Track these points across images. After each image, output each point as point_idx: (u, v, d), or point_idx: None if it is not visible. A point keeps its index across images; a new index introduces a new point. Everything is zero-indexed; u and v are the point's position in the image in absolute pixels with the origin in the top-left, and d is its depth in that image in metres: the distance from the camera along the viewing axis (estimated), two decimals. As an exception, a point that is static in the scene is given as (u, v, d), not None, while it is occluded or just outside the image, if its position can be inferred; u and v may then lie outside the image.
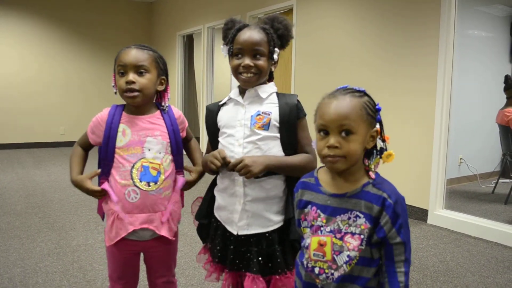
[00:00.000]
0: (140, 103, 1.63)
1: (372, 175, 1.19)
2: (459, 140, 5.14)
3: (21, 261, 2.94)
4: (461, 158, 5.59)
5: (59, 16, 8.64)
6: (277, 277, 1.51)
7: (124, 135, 1.63)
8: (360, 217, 1.16)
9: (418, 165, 4.06)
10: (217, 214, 1.63)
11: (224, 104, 1.64)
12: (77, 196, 4.63)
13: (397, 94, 4.18)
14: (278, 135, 1.53)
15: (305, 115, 1.57)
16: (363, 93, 1.19)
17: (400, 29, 4.18)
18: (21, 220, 3.86)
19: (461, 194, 5.19)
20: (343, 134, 1.12)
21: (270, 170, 1.49)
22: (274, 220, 1.55)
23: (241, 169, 1.44)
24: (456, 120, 4.16)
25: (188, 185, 1.80)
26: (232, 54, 1.57)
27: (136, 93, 1.59)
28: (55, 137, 8.65)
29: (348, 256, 1.16)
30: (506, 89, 5.00)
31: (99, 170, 1.68)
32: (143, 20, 9.64)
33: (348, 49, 4.75)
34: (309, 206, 1.26)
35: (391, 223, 1.12)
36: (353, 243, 1.15)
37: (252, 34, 1.53)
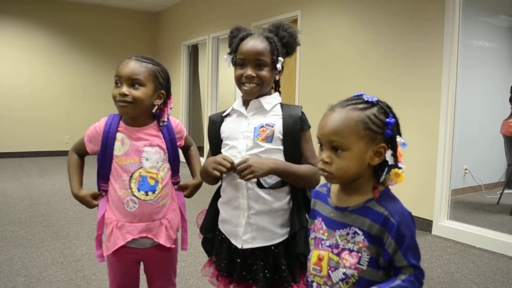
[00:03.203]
0: (131, 114, 1.63)
1: (377, 193, 1.11)
2: (464, 151, 5.12)
3: (25, 270, 2.94)
4: (465, 169, 5.57)
5: (66, 26, 8.74)
6: None
7: (123, 144, 1.65)
8: (358, 234, 1.09)
9: (422, 176, 4.05)
10: (221, 227, 1.61)
11: (228, 115, 1.62)
12: (82, 206, 4.62)
13: (401, 105, 4.15)
14: (281, 147, 1.50)
15: (309, 127, 1.54)
16: (372, 104, 1.11)
17: (404, 39, 4.19)
18: (25, 229, 3.86)
19: (465, 205, 5.16)
20: (334, 149, 1.09)
21: (275, 174, 1.45)
22: (279, 233, 1.52)
23: (245, 169, 1.39)
24: (460, 130, 4.16)
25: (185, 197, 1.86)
26: (235, 64, 1.55)
27: (126, 104, 1.58)
28: (60, 145, 8.68)
29: (344, 273, 1.10)
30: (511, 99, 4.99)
31: (103, 193, 1.71)
32: (148, 30, 9.71)
33: (352, 59, 4.77)
34: (317, 217, 1.22)
35: (396, 245, 1.04)
36: (350, 260, 1.10)
37: (254, 44, 1.50)
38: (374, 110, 1.10)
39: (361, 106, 1.10)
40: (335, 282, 1.12)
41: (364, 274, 1.08)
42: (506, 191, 5.20)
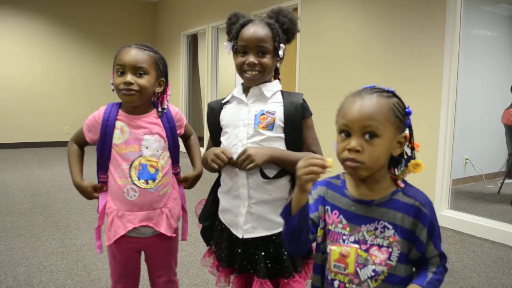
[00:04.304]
0: (136, 103, 1.62)
1: (401, 183, 1.09)
2: (465, 140, 5.11)
3: (25, 260, 2.94)
4: (466, 158, 5.56)
5: (64, 15, 8.69)
6: (285, 280, 1.48)
7: (122, 132, 1.63)
8: (388, 228, 1.05)
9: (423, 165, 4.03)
10: (222, 216, 1.60)
11: (227, 102, 1.60)
12: (82, 196, 4.62)
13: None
14: (282, 135, 1.49)
15: (311, 114, 1.52)
16: (392, 94, 1.09)
17: (405, 29, 4.16)
18: (26, 219, 3.86)
19: (466, 195, 5.16)
20: (367, 136, 1.01)
21: (274, 162, 1.45)
22: (280, 222, 1.46)
23: (244, 160, 1.40)
24: (461, 120, 4.14)
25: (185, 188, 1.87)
26: (236, 51, 1.52)
27: (133, 92, 1.57)
28: (59, 136, 8.67)
29: (373, 270, 1.05)
30: (512, 89, 4.97)
31: (104, 187, 1.70)
32: (147, 20, 9.65)
33: (352, 50, 4.74)
34: (329, 208, 1.15)
35: (427, 236, 1.03)
36: (379, 256, 1.05)
37: (256, 30, 1.47)
38: (396, 99, 1.08)
39: (385, 94, 1.07)
40: (363, 280, 1.06)
41: (393, 270, 1.05)
42: (507, 180, 5.20)
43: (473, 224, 3.74)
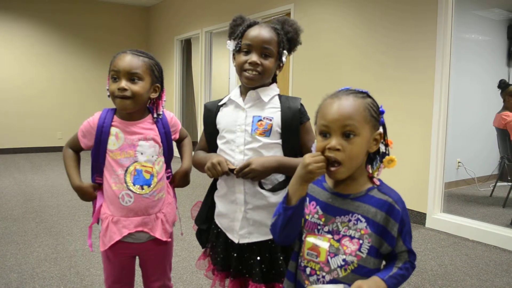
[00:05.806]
0: (130, 110, 1.61)
1: (377, 181, 1.14)
2: (457, 144, 5.15)
3: (18, 267, 2.92)
4: (459, 162, 5.60)
5: (57, 21, 8.64)
6: (280, 285, 1.49)
7: (117, 138, 1.63)
8: (361, 221, 1.10)
9: (416, 169, 4.05)
10: (218, 221, 1.60)
11: (224, 104, 1.59)
12: (75, 201, 4.61)
13: (394, 98, 4.18)
14: (279, 141, 1.49)
15: (308, 119, 1.52)
16: (366, 95, 1.14)
17: (397, 33, 4.19)
18: (18, 225, 3.84)
19: (459, 198, 5.19)
20: (346, 136, 1.06)
21: (279, 173, 1.46)
22: None
23: (247, 173, 1.41)
24: (454, 123, 4.17)
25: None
26: (239, 50, 1.52)
27: (126, 99, 1.57)
28: (52, 141, 8.62)
29: (343, 260, 1.10)
30: (502, 93, 5.01)
31: (101, 186, 1.70)
32: (141, 25, 9.64)
33: (345, 53, 4.76)
34: (308, 199, 1.20)
35: (398, 232, 1.08)
36: (350, 247, 1.10)
37: (263, 32, 1.48)
38: (370, 100, 1.13)
39: (360, 95, 1.13)
40: (333, 269, 1.11)
41: (363, 262, 1.09)
42: (499, 183, 5.23)
43: (465, 227, 3.76)
